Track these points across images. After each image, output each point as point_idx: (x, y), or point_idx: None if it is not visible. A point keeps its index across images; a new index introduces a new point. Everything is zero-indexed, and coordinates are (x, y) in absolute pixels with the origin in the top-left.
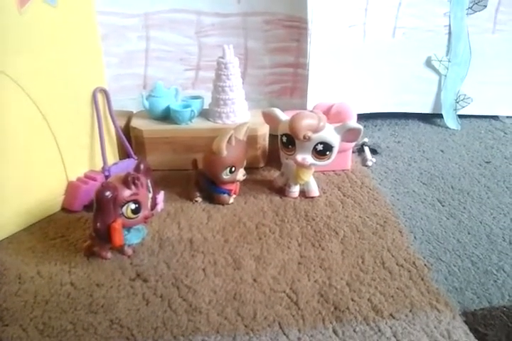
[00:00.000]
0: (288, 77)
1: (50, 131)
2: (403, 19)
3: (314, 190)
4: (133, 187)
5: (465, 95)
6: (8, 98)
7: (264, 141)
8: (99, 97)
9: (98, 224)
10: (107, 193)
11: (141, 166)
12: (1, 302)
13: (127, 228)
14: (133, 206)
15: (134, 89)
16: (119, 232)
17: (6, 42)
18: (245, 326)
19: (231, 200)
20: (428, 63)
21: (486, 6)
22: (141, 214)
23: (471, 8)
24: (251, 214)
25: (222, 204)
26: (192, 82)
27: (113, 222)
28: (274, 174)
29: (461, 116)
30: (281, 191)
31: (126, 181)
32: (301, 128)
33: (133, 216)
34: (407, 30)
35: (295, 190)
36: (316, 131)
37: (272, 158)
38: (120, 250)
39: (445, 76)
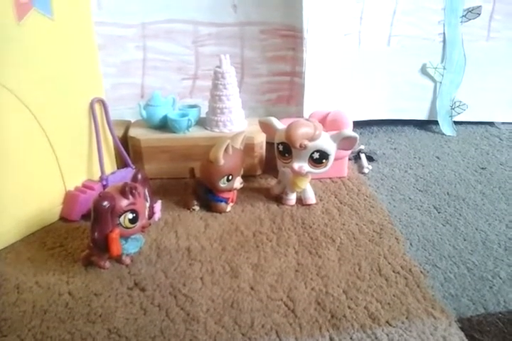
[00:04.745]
0: (284, 86)
1: (48, 141)
2: (398, 27)
3: (311, 198)
4: (130, 196)
5: (460, 102)
6: (5, 108)
7: (261, 149)
8: (97, 107)
9: (96, 234)
10: (105, 203)
11: (139, 176)
12: None
13: (125, 237)
14: (130, 216)
15: (132, 98)
16: (116, 242)
17: (4, 53)
18: (243, 334)
19: (228, 208)
20: (423, 70)
21: (479, 14)
22: (138, 224)
23: (465, 16)
24: (248, 222)
25: (220, 213)
26: (189, 91)
27: (111, 232)
28: (271, 182)
29: (456, 123)
30: (278, 199)
31: (124, 191)
32: (298, 137)
33: (130, 225)
34: (402, 38)
35: (292, 198)
36: (312, 139)
37: (269, 166)
38: (118, 259)
39: (440, 83)
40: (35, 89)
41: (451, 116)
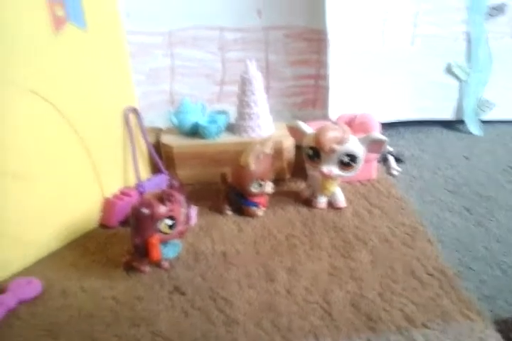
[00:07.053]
0: (309, 89)
1: (84, 150)
2: (421, 27)
3: (341, 201)
4: (168, 203)
5: (487, 101)
6: (43, 118)
7: (289, 153)
8: (131, 115)
9: (136, 240)
10: (145, 210)
11: (175, 183)
12: (47, 317)
13: (164, 243)
14: (169, 222)
15: (162, 105)
16: (156, 247)
17: (40, 63)
18: (282, 337)
19: (260, 213)
20: (448, 70)
21: (504, 11)
22: (176, 229)
23: (489, 13)
24: (280, 225)
25: (252, 217)
26: (217, 96)
27: (150, 238)
28: (300, 185)
29: (484, 122)
30: (308, 202)
31: (162, 198)
32: (327, 141)
33: (169, 231)
34: (425, 37)
35: (322, 201)
36: (340, 143)
37: (298, 169)
38: (157, 264)
39: (466, 82)
40: (72, 99)
41: (478, 116)
